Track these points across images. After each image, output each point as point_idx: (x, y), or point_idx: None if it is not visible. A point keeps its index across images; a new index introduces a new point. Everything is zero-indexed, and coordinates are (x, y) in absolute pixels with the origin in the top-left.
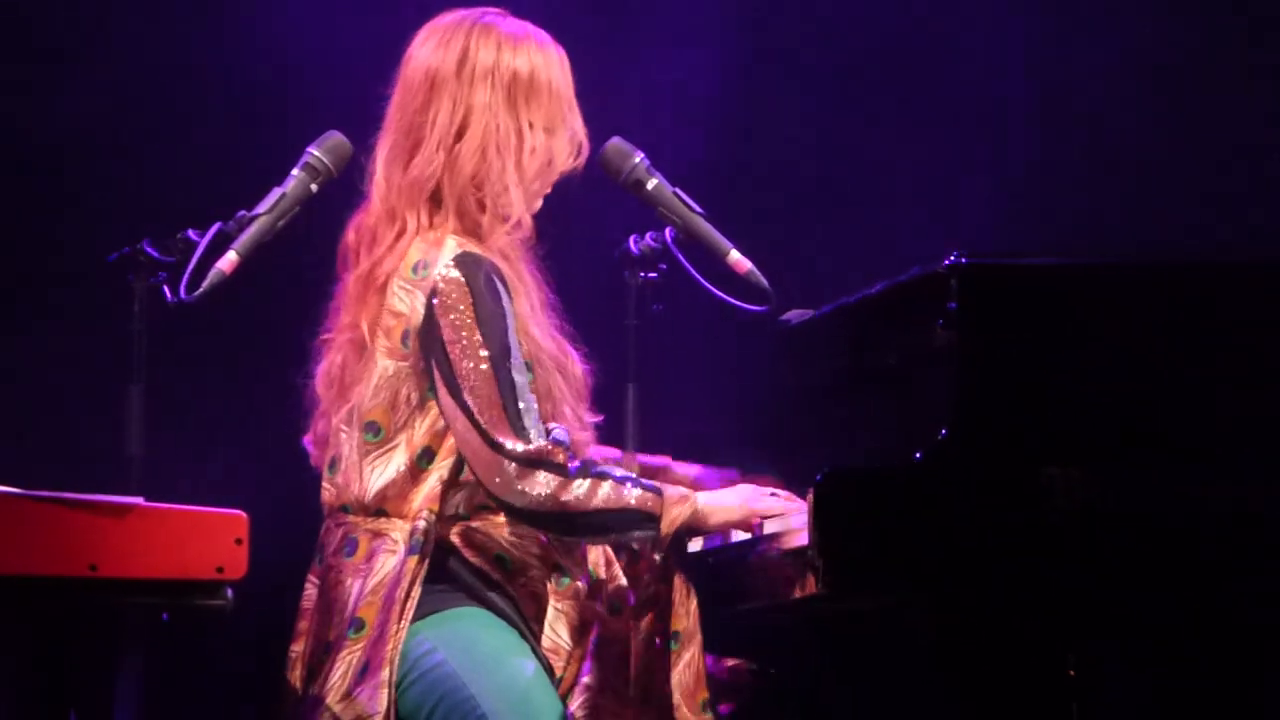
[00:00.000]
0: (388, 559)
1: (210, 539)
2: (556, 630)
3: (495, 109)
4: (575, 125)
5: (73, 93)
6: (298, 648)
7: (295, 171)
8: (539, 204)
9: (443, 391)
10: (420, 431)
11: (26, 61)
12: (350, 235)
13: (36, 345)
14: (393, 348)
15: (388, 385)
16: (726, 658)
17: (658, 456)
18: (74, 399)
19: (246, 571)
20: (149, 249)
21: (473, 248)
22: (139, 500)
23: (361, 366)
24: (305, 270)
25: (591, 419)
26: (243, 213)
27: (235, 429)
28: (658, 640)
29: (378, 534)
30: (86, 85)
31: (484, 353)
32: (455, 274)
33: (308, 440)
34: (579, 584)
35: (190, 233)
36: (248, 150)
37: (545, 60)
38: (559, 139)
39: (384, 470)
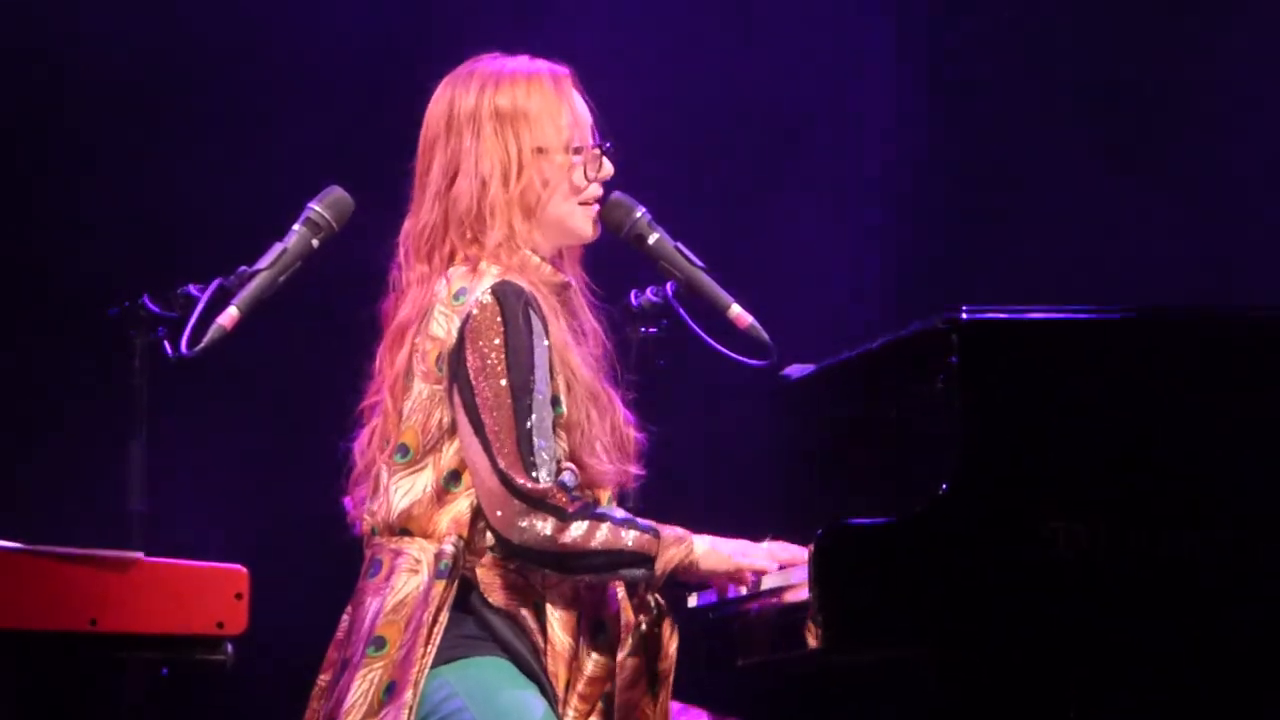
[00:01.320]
0: (410, 579)
1: (211, 594)
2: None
3: (480, 144)
4: (576, 138)
5: (71, 149)
6: (325, 676)
7: (296, 227)
8: (586, 227)
9: (461, 417)
10: (449, 454)
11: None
12: (382, 313)
13: (37, 400)
14: (428, 371)
15: (421, 408)
16: (724, 715)
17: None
18: (75, 453)
19: (247, 627)
20: (149, 304)
21: (514, 278)
22: (139, 555)
23: (399, 400)
24: (307, 326)
25: (632, 474)
26: (243, 268)
27: (236, 484)
28: (643, 681)
29: (399, 552)
30: (84, 142)
31: (504, 382)
32: (489, 300)
33: (347, 501)
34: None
35: (191, 288)
36: (250, 205)
37: (527, 87)
38: (554, 156)
39: (410, 490)
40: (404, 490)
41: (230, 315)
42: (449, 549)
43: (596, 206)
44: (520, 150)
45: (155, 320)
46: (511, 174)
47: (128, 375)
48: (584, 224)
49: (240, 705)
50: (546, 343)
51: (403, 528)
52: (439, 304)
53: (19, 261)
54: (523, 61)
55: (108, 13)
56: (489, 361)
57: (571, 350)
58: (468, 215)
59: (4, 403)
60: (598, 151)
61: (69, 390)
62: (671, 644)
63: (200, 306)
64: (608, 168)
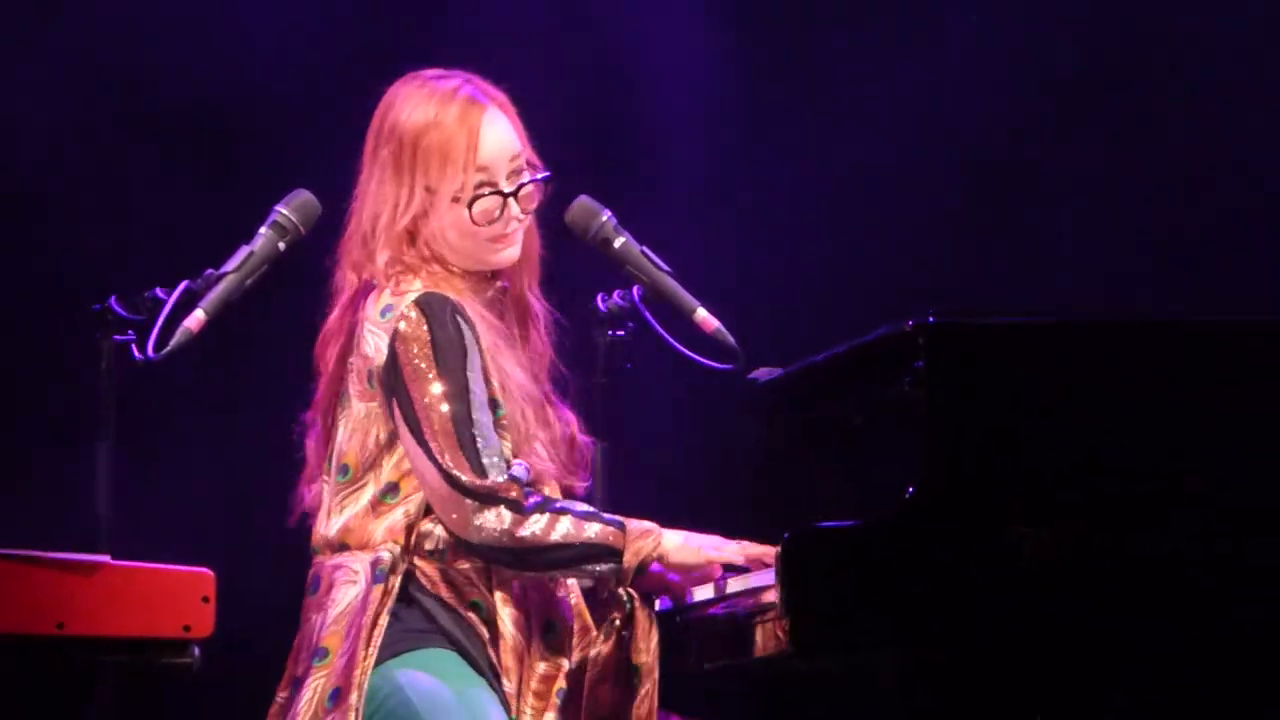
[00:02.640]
0: (348, 589)
1: (178, 597)
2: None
3: (378, 170)
4: (470, 182)
5: (38, 148)
6: (284, 694)
7: (263, 230)
8: (494, 255)
9: (403, 430)
10: (387, 469)
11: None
12: (320, 343)
13: (3, 402)
14: (362, 390)
15: (360, 427)
16: (691, 718)
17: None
18: (41, 456)
19: (214, 630)
20: (116, 307)
21: (438, 289)
22: (106, 559)
23: (338, 413)
24: (273, 329)
25: (580, 480)
26: (210, 271)
27: (203, 487)
28: (615, 675)
29: (338, 566)
30: (51, 142)
31: (438, 389)
32: (415, 314)
33: (302, 493)
34: (538, 629)
35: (158, 291)
36: (217, 207)
37: (438, 118)
38: (440, 201)
39: (352, 507)
40: (346, 509)
41: (197, 318)
42: (385, 555)
43: (513, 233)
44: (412, 185)
45: (122, 323)
46: (400, 206)
47: (94, 378)
48: (489, 255)
49: (207, 708)
50: (478, 346)
51: (341, 542)
52: (367, 323)
53: None
54: (445, 87)
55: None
56: (421, 368)
57: (503, 353)
58: (361, 235)
59: None
60: (500, 193)
61: (35, 393)
62: (650, 638)
63: (167, 309)
64: (525, 201)
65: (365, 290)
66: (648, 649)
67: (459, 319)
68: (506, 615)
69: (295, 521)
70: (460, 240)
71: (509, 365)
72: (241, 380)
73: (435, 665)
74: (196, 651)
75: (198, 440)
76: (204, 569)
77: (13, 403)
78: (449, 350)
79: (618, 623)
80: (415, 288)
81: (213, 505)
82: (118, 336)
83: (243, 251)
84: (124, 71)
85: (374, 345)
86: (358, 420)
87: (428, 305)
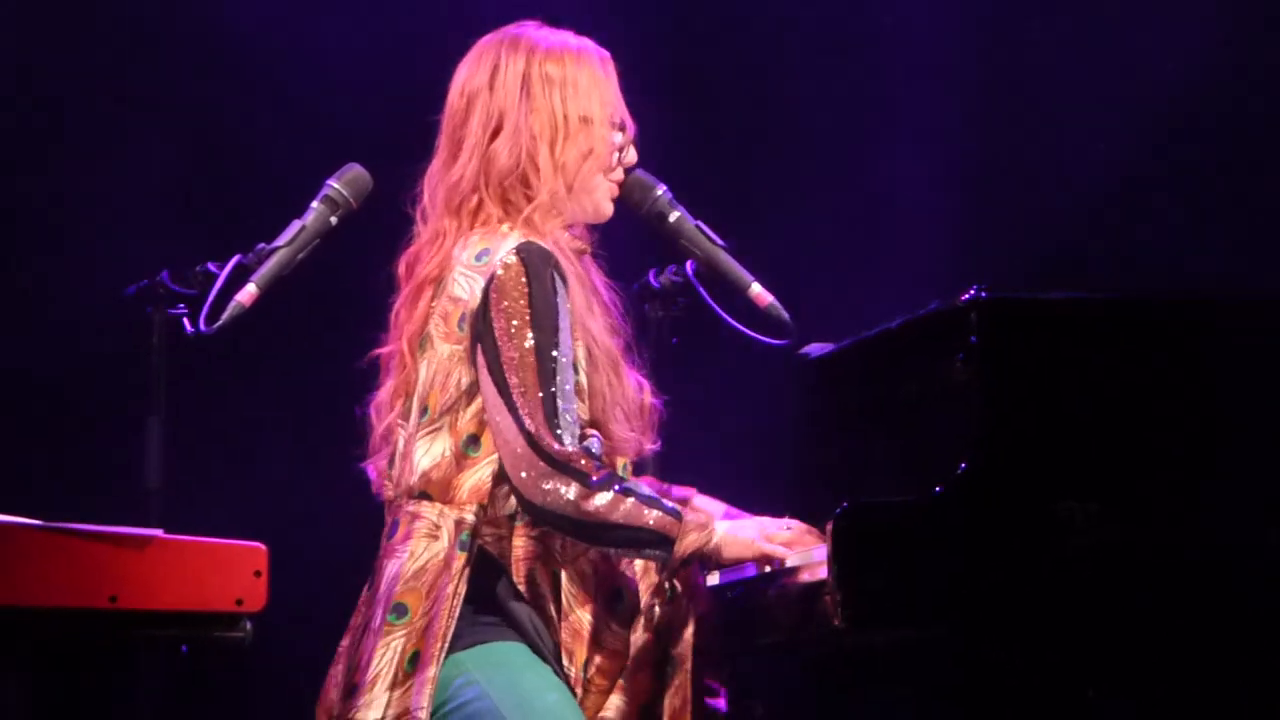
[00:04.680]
0: (429, 544)
1: (230, 571)
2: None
3: (527, 105)
4: (615, 111)
5: (89, 126)
6: (346, 641)
7: (314, 204)
8: (604, 203)
9: (485, 377)
10: (466, 417)
11: (47, 94)
12: (401, 265)
13: (56, 377)
14: (449, 331)
15: (442, 368)
16: (744, 694)
17: (684, 488)
18: (94, 431)
19: (266, 604)
20: (168, 281)
21: (537, 240)
22: (158, 532)
23: (415, 363)
24: (326, 302)
25: (650, 444)
26: (262, 245)
27: (255, 461)
28: (653, 663)
29: (416, 515)
30: (107, 118)
31: (530, 343)
32: (514, 260)
33: (369, 468)
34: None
35: (209, 265)
36: (269, 182)
37: (577, 59)
38: (599, 125)
39: (429, 450)
40: (423, 451)
41: (249, 292)
42: (469, 518)
43: (617, 188)
44: (568, 116)
45: (174, 297)
46: (558, 138)
47: (146, 352)
48: (606, 201)
49: (258, 683)
50: (569, 306)
51: (422, 490)
52: (459, 266)
53: (38, 239)
54: (569, 35)
55: None
56: (514, 322)
57: (592, 316)
58: (508, 173)
59: (24, 381)
60: (628, 127)
61: (88, 367)
62: (686, 628)
63: (219, 284)
64: (632, 153)
65: (460, 233)
66: (684, 639)
67: (556, 275)
68: (572, 596)
69: (371, 499)
70: (586, 180)
71: (596, 329)
72: (294, 354)
73: (507, 656)
74: (248, 625)
75: (250, 414)
76: (256, 543)
77: (65, 377)
78: (544, 307)
79: (658, 610)
80: (515, 235)
81: (265, 479)
82: (170, 311)
83: (295, 225)
84: (175, 46)
85: (467, 288)
86: (440, 361)
87: (528, 256)
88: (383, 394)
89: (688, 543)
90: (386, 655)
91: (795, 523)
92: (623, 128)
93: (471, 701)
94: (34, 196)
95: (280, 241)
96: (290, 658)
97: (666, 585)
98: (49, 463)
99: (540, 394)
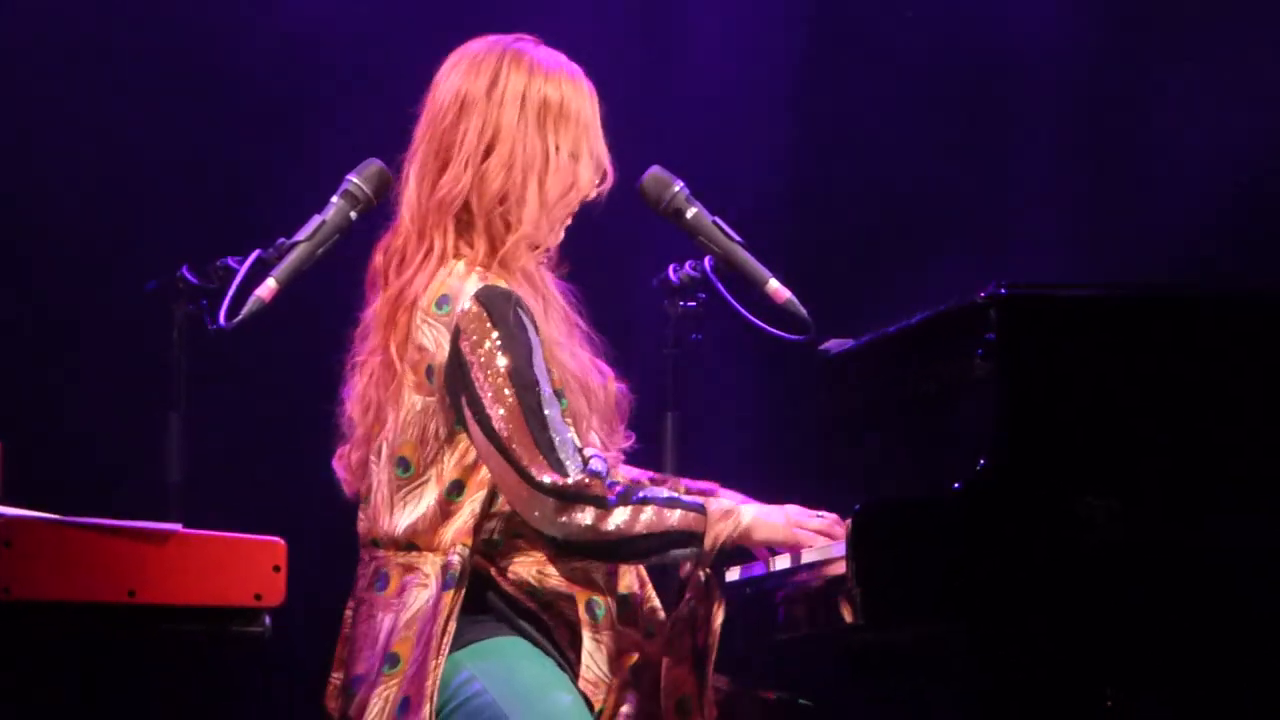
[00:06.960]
0: (420, 593)
1: (248, 566)
2: (595, 661)
3: (524, 130)
4: (600, 153)
5: (112, 122)
6: (337, 676)
7: (335, 199)
8: (561, 232)
9: (475, 429)
10: (450, 466)
11: (65, 92)
12: (378, 257)
13: (76, 372)
14: (419, 382)
15: (416, 421)
16: (760, 689)
17: (705, 482)
18: (113, 425)
19: (284, 599)
20: (188, 276)
21: (495, 280)
22: (178, 527)
23: (392, 392)
24: (345, 297)
25: (623, 440)
26: (282, 240)
27: (274, 456)
28: (692, 658)
29: (409, 568)
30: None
31: (509, 389)
32: (477, 309)
33: (337, 464)
34: (612, 611)
35: (229, 260)
36: (287, 177)
37: (575, 89)
38: (584, 165)
39: (415, 507)
40: (410, 508)
41: (269, 287)
42: (455, 559)
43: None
44: (559, 149)
45: (194, 292)
46: (546, 172)
47: (166, 347)
48: (561, 232)
49: (277, 677)
50: (539, 339)
51: (409, 542)
52: (420, 311)
53: (59, 233)
54: (564, 59)
55: None
56: (489, 371)
57: (558, 345)
58: (496, 198)
59: (44, 375)
60: (606, 168)
61: (108, 362)
62: (716, 620)
63: (239, 278)
64: (606, 184)
65: (436, 256)
66: (713, 631)
67: (519, 312)
68: (577, 605)
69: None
70: (558, 215)
71: (563, 357)
72: (314, 349)
73: (504, 651)
74: (267, 620)
75: (269, 409)
76: (275, 538)
77: (85, 371)
78: (514, 345)
79: (695, 604)
80: (473, 278)
81: (284, 474)
82: (190, 305)
83: (315, 221)
84: (193, 41)
85: (432, 340)
86: (413, 413)
87: (489, 301)
88: (354, 400)
89: (717, 532)
90: (378, 705)
91: (826, 513)
92: (603, 177)
93: (471, 699)
94: (55, 191)
95: (300, 236)
96: (308, 653)
97: (701, 577)
98: (69, 457)
99: (531, 433)
